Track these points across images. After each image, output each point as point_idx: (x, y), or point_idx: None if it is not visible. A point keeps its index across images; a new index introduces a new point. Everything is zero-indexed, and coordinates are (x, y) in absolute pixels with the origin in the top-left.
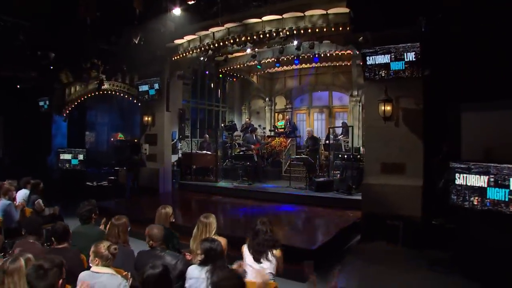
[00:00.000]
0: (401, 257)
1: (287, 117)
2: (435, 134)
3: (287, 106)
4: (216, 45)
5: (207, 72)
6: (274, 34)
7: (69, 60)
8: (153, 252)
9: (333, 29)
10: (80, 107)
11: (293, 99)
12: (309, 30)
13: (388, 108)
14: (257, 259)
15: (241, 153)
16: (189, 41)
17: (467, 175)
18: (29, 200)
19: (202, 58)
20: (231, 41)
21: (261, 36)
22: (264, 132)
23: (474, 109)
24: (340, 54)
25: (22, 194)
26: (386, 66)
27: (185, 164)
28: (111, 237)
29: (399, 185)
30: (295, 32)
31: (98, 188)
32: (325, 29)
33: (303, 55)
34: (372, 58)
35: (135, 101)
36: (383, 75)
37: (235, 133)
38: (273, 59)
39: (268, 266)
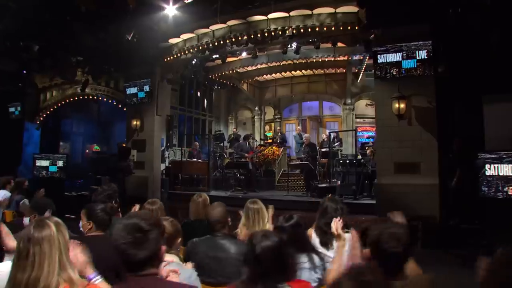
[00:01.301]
0: (428, 258)
1: (278, 128)
2: (444, 132)
3: (276, 116)
4: (216, 43)
5: (198, 76)
6: (280, 33)
7: (54, 54)
8: (213, 239)
9: (341, 28)
10: (54, 115)
11: (282, 109)
12: (317, 29)
13: (402, 105)
14: (325, 243)
15: (234, 161)
16: (185, 40)
17: (499, 165)
18: (11, 201)
19: (194, 62)
20: (233, 39)
21: (266, 34)
22: (255, 141)
23: (498, 100)
24: (335, 60)
25: (1, 196)
26: (397, 64)
27: (174, 173)
28: None
29: (414, 184)
30: (302, 30)
31: (78, 198)
32: (333, 28)
33: (300, 60)
34: (384, 56)
35: (119, 105)
36: (394, 73)
37: (224, 144)
38: (268, 64)
39: None
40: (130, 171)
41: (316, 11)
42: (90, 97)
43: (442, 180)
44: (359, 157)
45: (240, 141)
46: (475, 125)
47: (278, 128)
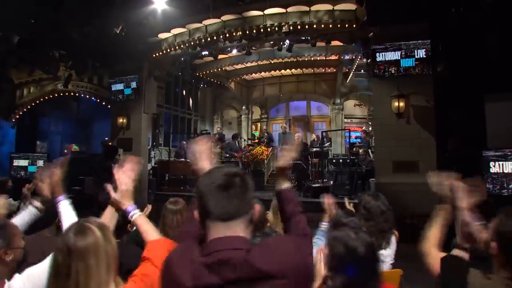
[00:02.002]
0: None
1: (264, 127)
2: (443, 131)
3: (263, 116)
4: (209, 39)
5: (185, 74)
6: (277, 29)
7: (36, 46)
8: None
9: (339, 25)
10: (31, 112)
11: (269, 108)
12: (314, 26)
13: (402, 104)
14: (380, 245)
15: (223, 160)
16: (175, 35)
17: (503, 163)
18: None
19: (183, 58)
20: (227, 35)
21: (262, 30)
22: (244, 141)
23: (500, 99)
24: (326, 59)
25: None
26: (396, 63)
27: (162, 173)
28: (169, 228)
29: (413, 183)
30: (299, 27)
31: None
32: (330, 25)
33: (292, 59)
34: (382, 54)
35: (103, 103)
36: (393, 72)
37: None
38: (257, 62)
39: (389, 253)
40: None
41: (313, 8)
42: (72, 93)
43: None
44: (352, 156)
45: (226, 141)
46: (475, 123)
47: (264, 127)
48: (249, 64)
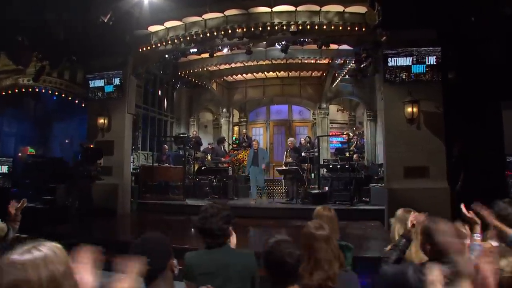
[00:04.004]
0: None
1: (244, 131)
2: (454, 137)
3: (242, 120)
4: (208, 34)
5: (167, 72)
6: (284, 27)
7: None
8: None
9: (348, 28)
10: None
11: (248, 112)
12: (324, 27)
13: (415, 109)
14: None
15: (206, 166)
16: (168, 29)
17: None
18: None
19: (174, 54)
20: (229, 31)
21: (269, 28)
22: (229, 145)
23: None
24: (316, 63)
25: None
26: (407, 68)
27: (145, 180)
28: (326, 263)
29: (424, 188)
30: (308, 27)
31: (28, 211)
32: (340, 27)
33: (284, 61)
34: (394, 60)
35: (76, 101)
36: (403, 77)
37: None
38: (249, 62)
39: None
40: (98, 177)
41: (324, 8)
42: (37, 89)
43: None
44: (337, 161)
45: (209, 145)
46: (487, 129)
47: (244, 131)
48: (237, 65)
